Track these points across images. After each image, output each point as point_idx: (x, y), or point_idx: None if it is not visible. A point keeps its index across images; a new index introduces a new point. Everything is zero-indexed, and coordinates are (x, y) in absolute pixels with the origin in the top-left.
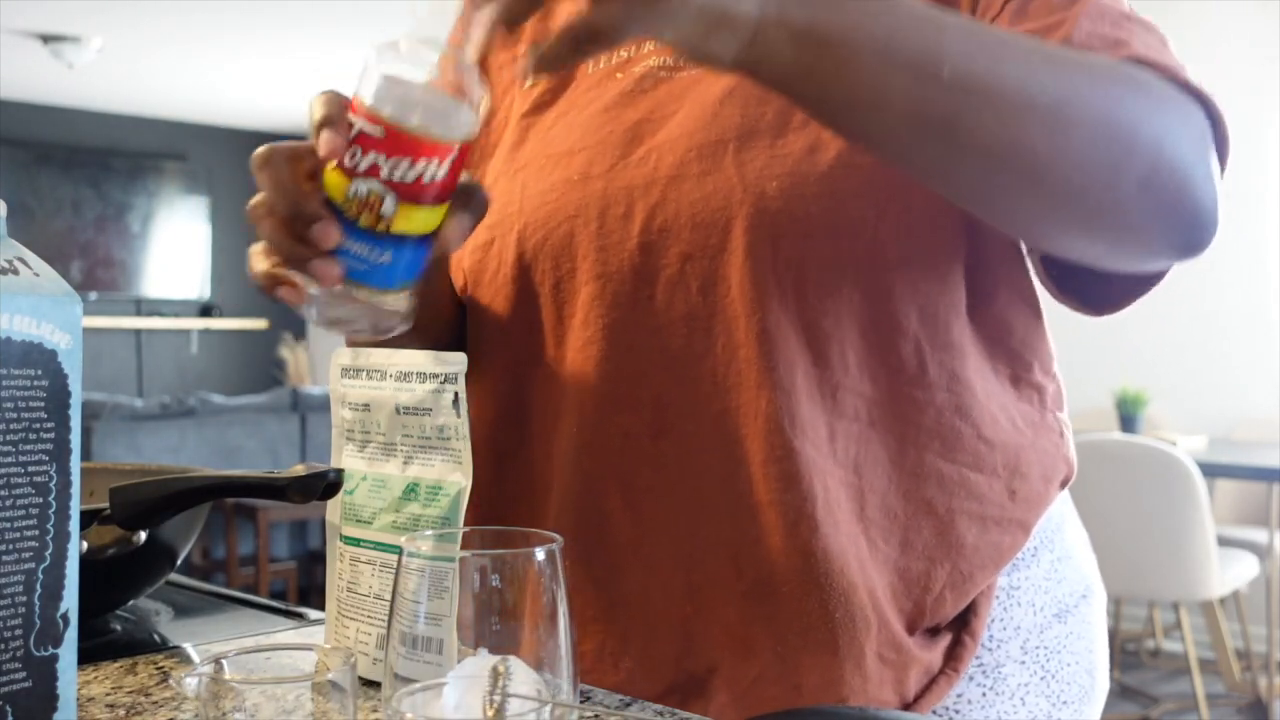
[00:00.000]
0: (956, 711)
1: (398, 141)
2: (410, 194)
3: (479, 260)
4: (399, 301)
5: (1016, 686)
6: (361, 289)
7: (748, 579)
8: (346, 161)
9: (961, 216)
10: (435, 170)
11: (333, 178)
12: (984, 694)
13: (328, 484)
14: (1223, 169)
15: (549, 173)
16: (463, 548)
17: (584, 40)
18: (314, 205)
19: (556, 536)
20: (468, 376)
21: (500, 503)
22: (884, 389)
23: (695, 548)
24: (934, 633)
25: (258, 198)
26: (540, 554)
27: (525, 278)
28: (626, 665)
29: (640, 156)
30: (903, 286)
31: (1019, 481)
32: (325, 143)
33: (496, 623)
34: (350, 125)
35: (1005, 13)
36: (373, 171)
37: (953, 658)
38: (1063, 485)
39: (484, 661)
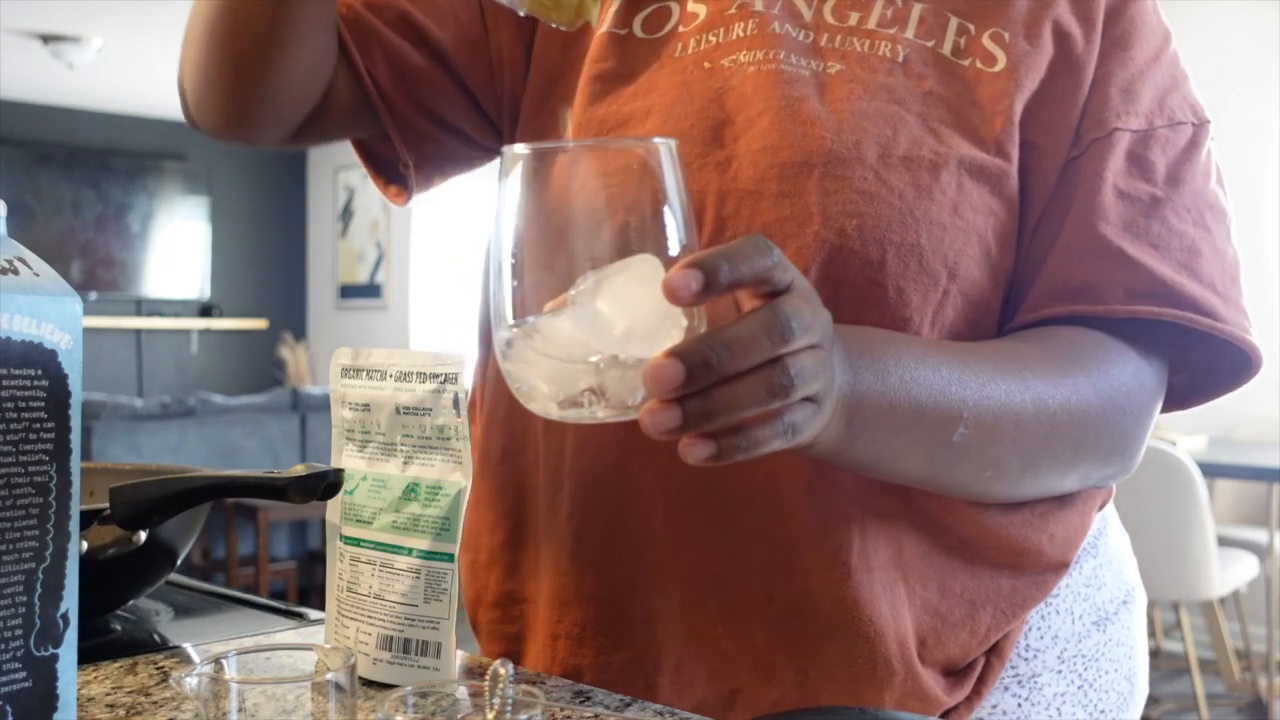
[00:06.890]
0: None
1: None
2: None
3: None
4: None
5: (1053, 696)
6: None
7: (778, 607)
8: None
9: (1000, 294)
10: None
11: None
12: (1019, 704)
13: (328, 484)
14: (1243, 381)
15: None
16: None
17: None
18: None
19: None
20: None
21: (527, 487)
22: None
23: (730, 570)
24: (969, 666)
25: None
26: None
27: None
28: (660, 682)
29: (719, 161)
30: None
31: (1056, 524)
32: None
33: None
34: None
35: (1118, 153)
36: None
37: (979, 681)
38: (1100, 507)
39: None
